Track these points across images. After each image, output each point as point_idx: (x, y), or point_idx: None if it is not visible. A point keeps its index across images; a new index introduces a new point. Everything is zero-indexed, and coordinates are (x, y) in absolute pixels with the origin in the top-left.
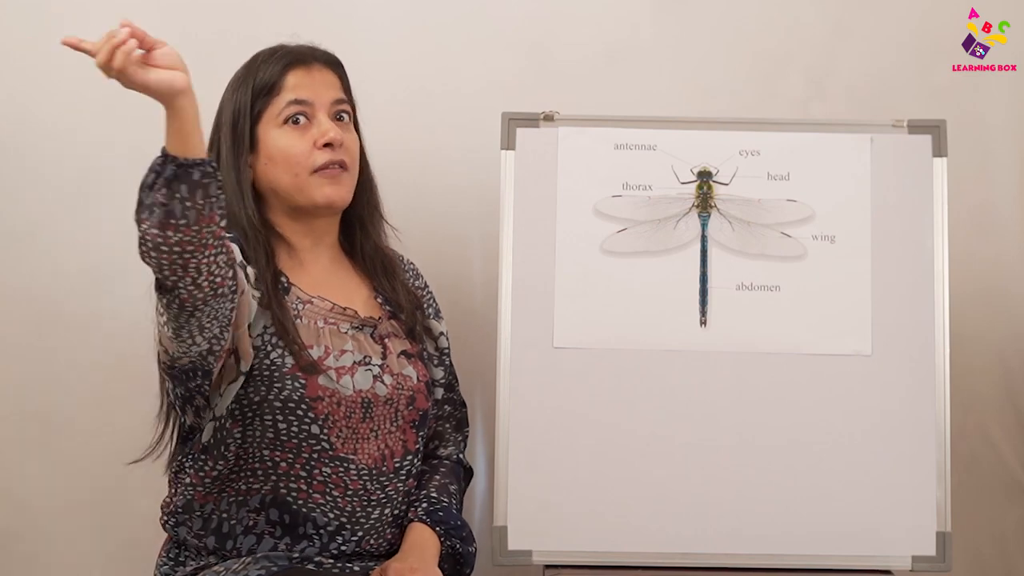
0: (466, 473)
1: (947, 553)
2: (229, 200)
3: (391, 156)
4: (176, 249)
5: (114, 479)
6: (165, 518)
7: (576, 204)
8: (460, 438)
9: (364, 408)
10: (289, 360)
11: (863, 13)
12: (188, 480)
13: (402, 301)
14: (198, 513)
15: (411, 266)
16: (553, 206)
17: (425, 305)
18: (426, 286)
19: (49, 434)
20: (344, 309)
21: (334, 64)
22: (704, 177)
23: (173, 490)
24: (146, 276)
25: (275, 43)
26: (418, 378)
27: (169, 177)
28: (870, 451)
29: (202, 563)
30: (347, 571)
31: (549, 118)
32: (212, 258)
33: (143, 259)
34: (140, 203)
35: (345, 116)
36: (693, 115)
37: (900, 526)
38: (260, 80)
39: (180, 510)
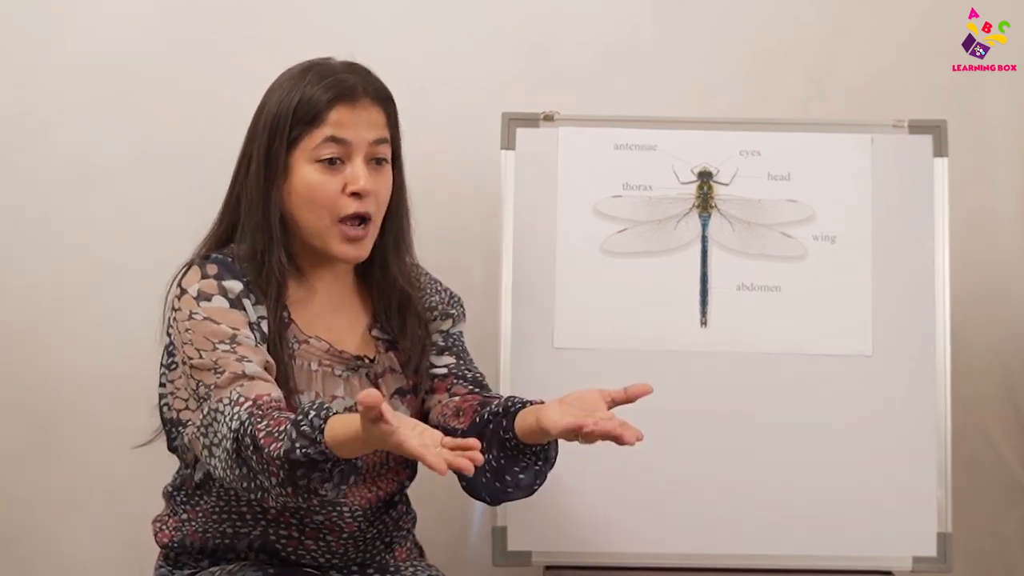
0: None
1: (948, 554)
2: (253, 221)
3: None
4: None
5: (114, 480)
6: (163, 548)
7: (576, 204)
8: None
9: None
10: None
11: (863, 13)
12: (181, 506)
13: (408, 338)
14: (190, 550)
15: (433, 284)
16: (553, 206)
17: (438, 316)
18: (448, 294)
19: (49, 434)
20: (340, 352)
21: (384, 100)
22: (704, 177)
23: (169, 517)
24: (146, 276)
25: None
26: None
27: (337, 478)
28: (871, 451)
29: (198, 568)
30: (344, 572)
31: (549, 118)
32: None
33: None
34: (291, 480)
35: (384, 159)
36: (693, 115)
37: (900, 527)
38: (303, 105)
39: (176, 544)
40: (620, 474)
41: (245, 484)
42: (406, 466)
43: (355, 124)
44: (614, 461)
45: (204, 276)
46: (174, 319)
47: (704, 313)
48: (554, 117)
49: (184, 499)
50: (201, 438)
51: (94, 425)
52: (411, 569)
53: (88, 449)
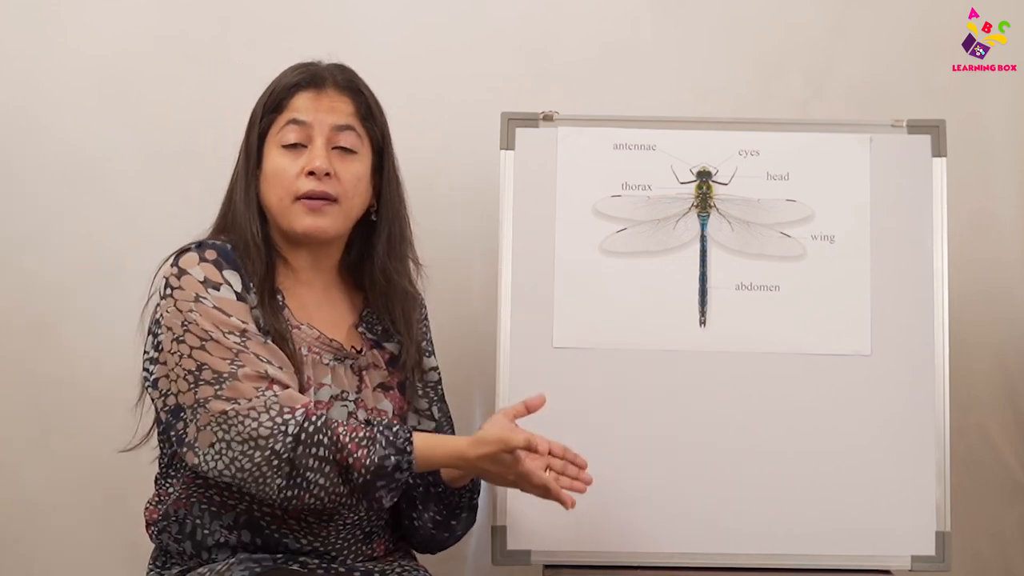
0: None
1: (946, 553)
2: (240, 210)
3: None
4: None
5: (114, 479)
6: (149, 527)
7: (575, 204)
8: None
9: None
10: None
11: (863, 13)
12: (171, 482)
13: (411, 335)
14: (174, 519)
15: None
16: (552, 206)
17: (423, 341)
18: (424, 317)
19: (49, 434)
20: (330, 341)
21: (352, 90)
22: (703, 177)
23: (156, 496)
24: (146, 276)
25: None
26: (393, 412)
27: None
28: (869, 451)
29: (186, 567)
30: (332, 571)
31: (548, 118)
32: None
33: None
34: (368, 486)
35: (350, 149)
36: (692, 115)
37: (899, 526)
38: (274, 95)
39: (160, 518)
40: (619, 473)
41: (280, 482)
42: None
43: (316, 109)
44: (614, 461)
45: (203, 260)
46: (171, 296)
47: (703, 313)
48: (553, 117)
49: (173, 472)
50: (213, 430)
51: (95, 425)
52: (398, 569)
53: (88, 449)
